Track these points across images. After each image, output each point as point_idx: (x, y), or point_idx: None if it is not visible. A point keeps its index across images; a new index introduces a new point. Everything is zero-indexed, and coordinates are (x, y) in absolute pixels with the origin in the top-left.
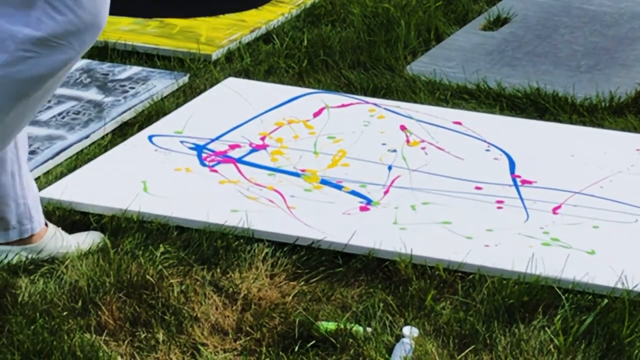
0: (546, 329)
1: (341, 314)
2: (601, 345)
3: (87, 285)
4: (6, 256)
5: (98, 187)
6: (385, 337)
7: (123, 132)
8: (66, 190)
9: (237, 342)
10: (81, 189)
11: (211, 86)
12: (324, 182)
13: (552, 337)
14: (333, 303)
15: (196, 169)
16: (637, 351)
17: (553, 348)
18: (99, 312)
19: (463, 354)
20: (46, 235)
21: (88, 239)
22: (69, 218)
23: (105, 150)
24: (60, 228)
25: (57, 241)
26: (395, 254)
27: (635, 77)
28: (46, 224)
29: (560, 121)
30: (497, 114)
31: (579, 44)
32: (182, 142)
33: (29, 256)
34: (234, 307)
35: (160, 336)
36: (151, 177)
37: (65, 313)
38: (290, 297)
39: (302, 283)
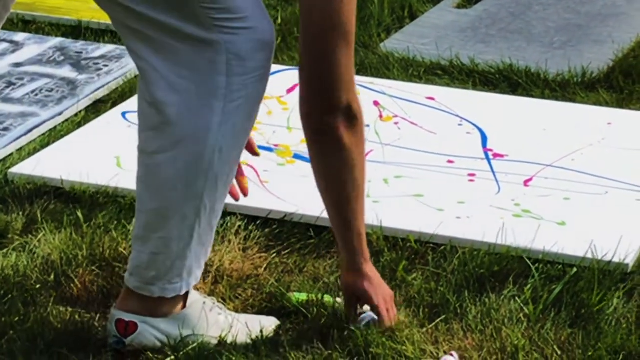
0: (516, 298)
1: (313, 285)
2: (570, 314)
3: (59, 258)
4: None
5: (71, 162)
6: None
7: (96, 109)
8: (38, 166)
9: None
10: (54, 165)
11: None
12: (297, 156)
13: (522, 306)
14: (305, 275)
15: None
16: (606, 318)
17: (523, 317)
18: (72, 285)
19: (434, 323)
20: None
21: None
22: (42, 194)
23: (79, 127)
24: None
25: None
26: (368, 227)
27: (607, 53)
28: None
29: (532, 96)
30: (470, 89)
31: (552, 21)
32: None
33: None
34: (207, 280)
35: None
36: (125, 153)
37: (38, 286)
38: (263, 269)
39: (274, 255)
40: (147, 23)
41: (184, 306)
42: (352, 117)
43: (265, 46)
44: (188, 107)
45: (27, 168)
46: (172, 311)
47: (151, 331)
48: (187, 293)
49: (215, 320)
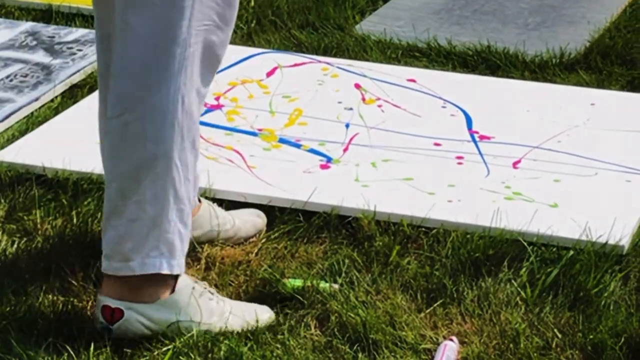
0: (512, 281)
1: (306, 270)
2: (568, 297)
3: (48, 246)
4: None
5: (52, 149)
6: (351, 292)
7: (73, 94)
8: (19, 153)
9: None
10: (35, 151)
11: None
12: (283, 140)
13: (519, 289)
14: (298, 260)
15: None
16: (604, 301)
17: (520, 300)
18: (62, 274)
19: (431, 307)
20: (200, 212)
21: (247, 217)
22: (23, 181)
23: (56, 113)
24: (215, 204)
25: (212, 219)
26: (358, 211)
27: (582, 34)
28: (199, 200)
29: (512, 78)
30: (449, 71)
31: (525, 2)
32: None
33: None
34: (198, 266)
35: None
36: None
37: (27, 275)
38: (254, 255)
39: (264, 240)
40: None
41: (173, 292)
42: None
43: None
44: (151, 56)
45: (8, 155)
46: (158, 296)
47: (138, 317)
48: (175, 279)
49: (206, 306)
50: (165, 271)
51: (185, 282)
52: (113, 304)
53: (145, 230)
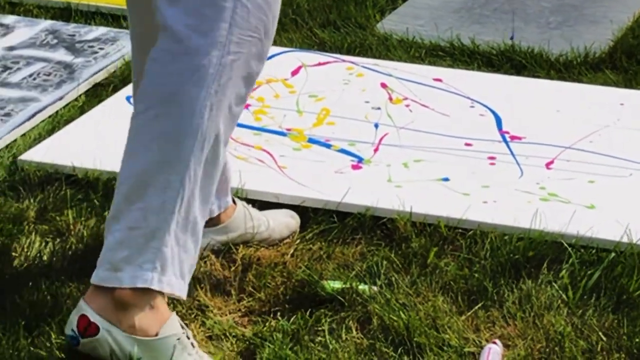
0: (553, 284)
1: (344, 272)
2: (611, 299)
3: (83, 247)
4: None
5: (81, 148)
6: (391, 294)
7: (97, 93)
8: (48, 153)
9: (241, 303)
10: (63, 151)
11: None
12: (312, 140)
13: (560, 292)
14: (334, 261)
15: None
16: None
17: (562, 303)
18: None
19: (473, 310)
20: (235, 214)
21: (282, 218)
22: (53, 181)
23: (81, 112)
24: (250, 206)
25: (247, 221)
26: (394, 212)
27: (604, 33)
28: (234, 202)
29: (538, 77)
30: (474, 71)
31: (546, 1)
32: None
33: (218, 238)
34: (234, 268)
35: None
36: None
37: (63, 276)
38: (289, 256)
39: (299, 241)
40: None
41: (157, 334)
42: None
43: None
44: (187, 54)
45: (37, 155)
46: (142, 329)
47: (111, 343)
48: (165, 310)
49: None
50: (155, 287)
51: (173, 329)
52: (92, 317)
53: (142, 242)
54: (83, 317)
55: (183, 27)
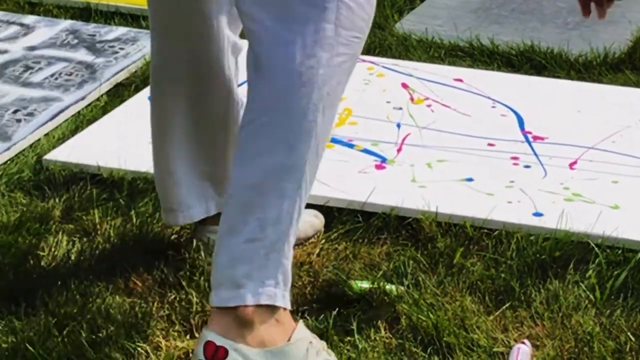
0: (580, 284)
1: (371, 272)
2: (639, 300)
3: (110, 246)
4: (208, 240)
5: (104, 148)
6: (419, 294)
7: (118, 93)
8: (72, 152)
9: None
10: (87, 151)
11: None
12: (335, 140)
13: (588, 292)
14: (360, 261)
15: None
16: None
17: (589, 303)
18: (126, 274)
19: (500, 310)
20: None
21: (306, 218)
22: (78, 180)
23: (104, 112)
24: None
25: None
26: (419, 212)
27: (624, 33)
28: None
29: (558, 78)
30: (494, 71)
31: (563, 1)
32: None
33: None
34: None
35: (194, 298)
36: None
37: (91, 275)
38: (315, 256)
39: (324, 241)
40: None
41: (288, 340)
42: None
43: (370, 4)
44: (293, 59)
45: (62, 154)
46: (271, 342)
47: None
48: (289, 323)
49: None
50: (280, 304)
51: (303, 334)
52: (218, 341)
53: (263, 254)
54: (209, 344)
55: (285, 32)
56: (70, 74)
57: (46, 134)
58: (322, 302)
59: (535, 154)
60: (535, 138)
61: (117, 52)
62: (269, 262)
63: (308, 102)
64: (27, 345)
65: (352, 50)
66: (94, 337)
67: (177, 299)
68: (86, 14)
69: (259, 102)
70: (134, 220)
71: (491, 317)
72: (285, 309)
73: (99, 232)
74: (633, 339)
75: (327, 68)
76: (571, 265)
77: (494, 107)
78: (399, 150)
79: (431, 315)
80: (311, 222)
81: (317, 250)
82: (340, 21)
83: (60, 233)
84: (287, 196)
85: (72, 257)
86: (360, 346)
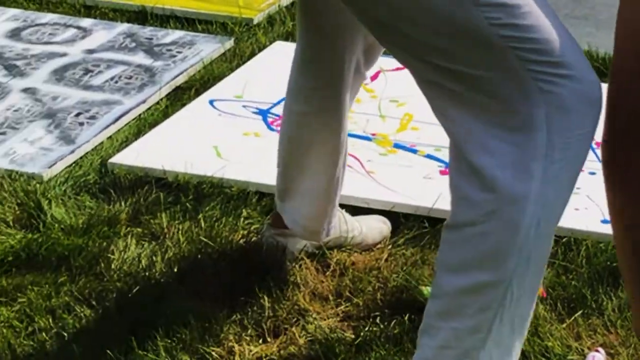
0: None
1: None
2: None
3: (179, 250)
4: (285, 245)
5: (168, 152)
6: None
7: (178, 96)
8: (138, 157)
9: (339, 308)
10: (151, 154)
11: (258, 50)
12: (398, 146)
13: None
14: (429, 267)
15: (265, 134)
16: None
17: None
18: (197, 279)
19: (573, 317)
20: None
21: (374, 224)
22: (143, 184)
23: (164, 115)
24: (344, 210)
25: (341, 225)
26: None
27: None
28: None
29: None
30: None
31: (617, 6)
32: (244, 106)
33: (312, 243)
34: (329, 272)
35: (265, 302)
36: (222, 143)
37: (162, 280)
38: (383, 261)
39: (391, 247)
40: (452, 76)
41: None
42: None
43: (592, 102)
44: (504, 170)
45: (127, 158)
46: None
47: None
48: None
49: None
50: None
51: None
52: None
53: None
54: None
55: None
56: (130, 77)
57: (109, 137)
58: (393, 308)
59: (600, 161)
60: (598, 144)
61: (174, 56)
62: None
63: (522, 219)
64: (103, 348)
65: (570, 150)
66: (169, 341)
67: (248, 303)
68: (142, 18)
69: (475, 205)
70: (202, 224)
71: (564, 325)
72: None
73: (167, 236)
74: None
75: (542, 180)
76: None
77: None
78: None
79: None
80: (379, 228)
81: (385, 256)
82: (553, 127)
83: (129, 236)
84: (488, 309)
85: (142, 261)
86: None
